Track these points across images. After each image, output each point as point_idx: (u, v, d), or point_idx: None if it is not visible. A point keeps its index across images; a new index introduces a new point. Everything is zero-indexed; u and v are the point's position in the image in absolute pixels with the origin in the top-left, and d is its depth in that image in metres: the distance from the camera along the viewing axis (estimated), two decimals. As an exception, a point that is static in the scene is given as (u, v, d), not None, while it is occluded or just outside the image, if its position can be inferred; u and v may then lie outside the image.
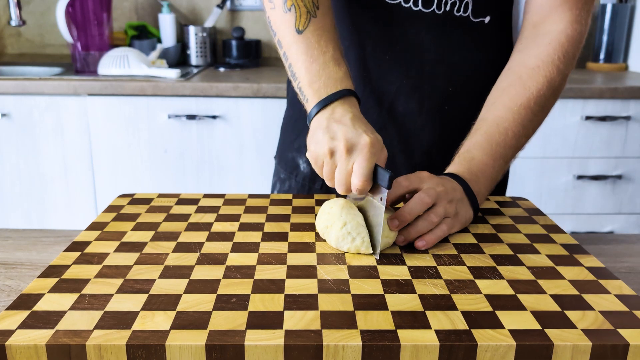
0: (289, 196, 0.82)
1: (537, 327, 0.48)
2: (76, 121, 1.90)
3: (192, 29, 2.25)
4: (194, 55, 2.27)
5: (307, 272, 0.58)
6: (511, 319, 0.50)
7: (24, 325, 0.48)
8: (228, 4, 2.37)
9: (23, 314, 0.49)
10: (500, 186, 0.96)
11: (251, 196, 0.82)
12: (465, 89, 0.88)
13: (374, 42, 0.87)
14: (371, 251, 0.63)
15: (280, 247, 0.65)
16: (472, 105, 0.81)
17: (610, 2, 2.26)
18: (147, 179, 1.96)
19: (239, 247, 0.64)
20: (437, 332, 0.47)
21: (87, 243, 0.65)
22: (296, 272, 0.58)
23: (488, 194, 0.75)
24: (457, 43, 0.86)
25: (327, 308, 0.51)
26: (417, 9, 0.84)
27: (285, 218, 0.74)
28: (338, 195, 0.75)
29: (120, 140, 1.92)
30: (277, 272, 0.58)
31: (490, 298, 0.53)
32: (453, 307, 0.51)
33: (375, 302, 0.52)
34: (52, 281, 0.56)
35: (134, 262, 0.60)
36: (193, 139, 1.92)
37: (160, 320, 0.49)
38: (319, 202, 0.79)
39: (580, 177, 1.98)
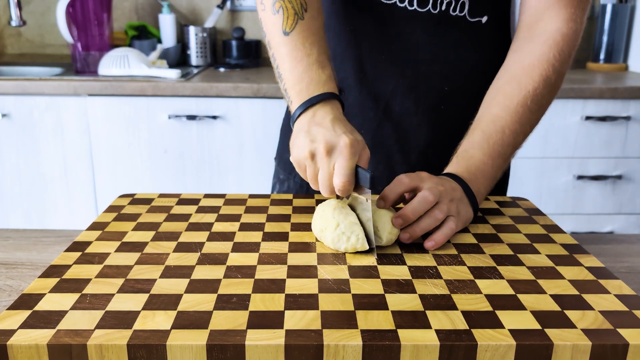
0: (289, 196, 0.82)
1: (537, 326, 0.49)
2: (76, 121, 1.90)
3: (192, 29, 2.25)
4: (194, 55, 2.27)
5: (307, 272, 0.58)
6: (511, 319, 0.50)
7: (25, 325, 0.48)
8: (228, 4, 2.37)
9: (24, 314, 0.50)
10: (501, 186, 0.96)
11: (251, 196, 0.82)
12: (462, 88, 0.88)
13: (370, 43, 0.88)
14: (367, 247, 0.63)
15: (281, 247, 0.65)
16: (469, 105, 0.82)
17: (610, 2, 2.26)
18: (147, 179, 1.96)
19: (239, 247, 0.64)
20: (438, 331, 0.47)
21: (88, 243, 0.65)
22: (296, 272, 0.58)
23: (487, 193, 0.75)
24: (453, 43, 0.86)
25: (328, 308, 0.51)
26: (412, 8, 0.84)
27: (285, 218, 0.74)
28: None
29: (120, 140, 1.92)
30: (277, 272, 0.58)
31: (490, 298, 0.53)
32: (453, 307, 0.51)
33: (375, 302, 0.52)
34: (53, 281, 0.56)
35: (134, 262, 0.60)
36: (193, 139, 1.93)
37: (161, 320, 0.49)
38: (320, 202, 0.79)
39: (580, 177, 1.98)
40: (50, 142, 1.92)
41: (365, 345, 0.45)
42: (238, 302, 0.52)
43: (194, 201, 0.80)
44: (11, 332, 0.47)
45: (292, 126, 0.71)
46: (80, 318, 0.49)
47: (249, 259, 0.61)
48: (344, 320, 0.49)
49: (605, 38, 2.28)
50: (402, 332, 0.47)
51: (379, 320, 0.49)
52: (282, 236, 0.68)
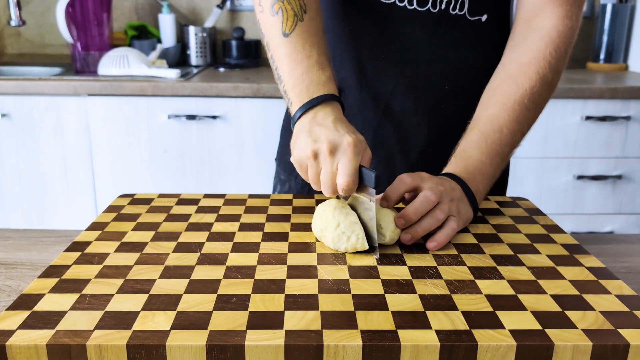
0: (289, 196, 0.82)
1: (538, 327, 0.48)
2: (76, 121, 1.90)
3: (192, 29, 2.25)
4: (194, 55, 2.27)
5: (307, 272, 0.58)
6: (511, 319, 0.50)
7: (25, 325, 0.48)
8: (228, 4, 2.37)
9: (23, 314, 0.49)
10: (500, 185, 0.96)
11: (251, 196, 0.82)
12: (462, 87, 0.88)
13: (369, 43, 0.88)
14: (367, 247, 0.63)
15: (281, 247, 0.65)
16: (469, 104, 0.82)
17: (610, 2, 2.26)
18: (147, 179, 1.96)
19: (239, 247, 0.64)
20: (438, 332, 0.47)
21: (88, 243, 0.65)
22: (296, 272, 0.58)
23: (487, 192, 0.75)
24: (452, 42, 0.86)
25: (328, 308, 0.51)
26: (412, 8, 0.84)
27: (285, 218, 0.74)
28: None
29: (120, 140, 1.92)
30: (277, 272, 0.58)
31: (490, 298, 0.53)
32: (453, 307, 0.51)
33: (375, 302, 0.52)
34: (52, 281, 0.56)
35: (134, 262, 0.60)
36: (193, 139, 1.92)
37: (161, 320, 0.49)
38: (320, 203, 0.79)
39: (580, 177, 1.98)
40: (50, 142, 1.92)
41: (365, 346, 0.45)
42: (238, 302, 0.52)
43: (193, 201, 0.80)
44: (10, 333, 0.47)
45: (293, 127, 0.71)
46: (79, 318, 0.49)
47: (249, 259, 0.61)
48: (344, 320, 0.49)
49: (605, 38, 2.28)
50: (402, 333, 0.47)
51: (379, 320, 0.49)
52: (282, 236, 0.68)
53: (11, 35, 2.42)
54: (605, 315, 0.51)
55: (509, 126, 0.75)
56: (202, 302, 0.52)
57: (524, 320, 0.49)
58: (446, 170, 0.74)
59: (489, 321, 0.49)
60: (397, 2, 0.84)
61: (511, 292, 0.55)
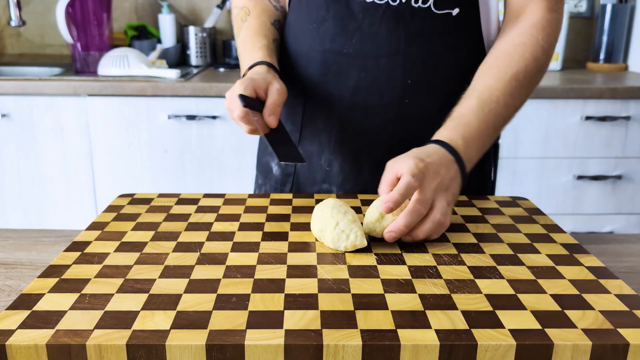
0: (289, 196, 0.82)
1: (537, 326, 0.48)
2: (76, 121, 1.90)
3: (192, 29, 2.25)
4: (194, 55, 2.27)
5: (307, 271, 0.58)
6: (511, 319, 0.50)
7: (24, 325, 0.48)
8: (228, 4, 2.37)
9: (23, 314, 0.50)
10: (486, 179, 0.96)
11: (251, 196, 0.82)
12: (425, 82, 0.86)
13: (332, 39, 0.87)
14: (366, 244, 0.64)
15: (280, 246, 0.65)
16: (434, 100, 0.82)
17: (610, 2, 2.26)
18: (147, 179, 1.96)
19: (239, 247, 0.64)
20: (437, 331, 0.47)
21: (87, 243, 0.65)
22: (296, 271, 0.58)
23: (477, 160, 0.75)
24: (414, 35, 0.84)
25: (327, 308, 0.51)
26: (370, 1, 0.84)
27: (285, 218, 0.74)
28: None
29: (120, 140, 1.92)
30: (277, 271, 0.58)
31: (490, 298, 0.53)
32: (453, 307, 0.51)
33: (375, 302, 0.52)
34: (52, 281, 0.56)
35: (134, 262, 0.60)
36: (193, 139, 1.92)
37: (161, 320, 0.49)
38: (320, 202, 0.79)
39: (580, 177, 1.98)
40: (50, 142, 1.92)
41: (365, 345, 0.45)
42: (237, 302, 0.52)
43: (193, 201, 0.80)
44: (10, 332, 0.47)
45: None
46: (79, 318, 0.49)
47: (249, 258, 0.61)
48: (343, 320, 0.49)
49: (605, 38, 2.28)
50: (401, 332, 0.47)
51: (378, 320, 0.49)
52: (281, 236, 0.68)
53: (11, 35, 2.42)
54: (605, 314, 0.51)
55: (505, 99, 0.77)
56: (201, 301, 0.52)
57: (524, 320, 0.49)
58: (442, 134, 0.73)
59: (489, 321, 0.49)
60: None
61: (511, 291, 0.55)
